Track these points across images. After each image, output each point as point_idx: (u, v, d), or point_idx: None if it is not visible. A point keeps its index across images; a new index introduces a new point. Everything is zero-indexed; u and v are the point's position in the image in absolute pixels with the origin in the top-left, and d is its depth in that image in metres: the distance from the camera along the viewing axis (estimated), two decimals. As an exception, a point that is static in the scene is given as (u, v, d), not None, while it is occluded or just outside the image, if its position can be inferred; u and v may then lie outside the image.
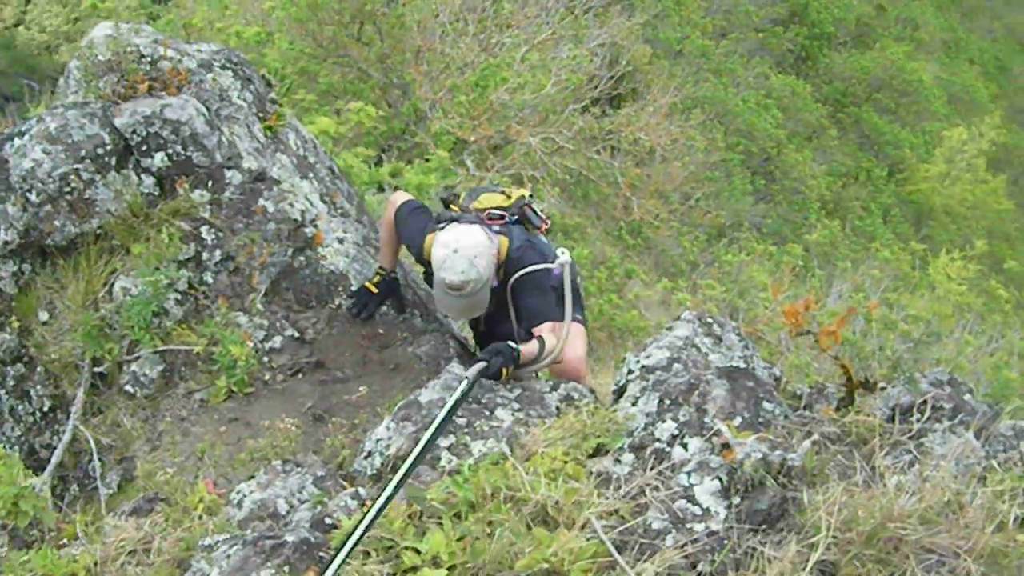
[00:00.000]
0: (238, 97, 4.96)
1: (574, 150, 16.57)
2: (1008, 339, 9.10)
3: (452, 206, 4.76)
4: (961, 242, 21.48)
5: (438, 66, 15.73)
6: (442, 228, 4.40)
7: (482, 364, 3.94)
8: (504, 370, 4.03)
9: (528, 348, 4.17)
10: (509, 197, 4.75)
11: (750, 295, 9.49)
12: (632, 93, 19.45)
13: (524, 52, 16.56)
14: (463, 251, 4.16)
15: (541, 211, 4.80)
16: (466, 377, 3.81)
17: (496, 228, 4.50)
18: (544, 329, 4.29)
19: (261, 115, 5.09)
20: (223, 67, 5.01)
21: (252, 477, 3.78)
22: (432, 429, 3.46)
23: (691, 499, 2.95)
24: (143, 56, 4.77)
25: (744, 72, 25.36)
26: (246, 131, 4.88)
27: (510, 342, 4.14)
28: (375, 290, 4.94)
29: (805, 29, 30.10)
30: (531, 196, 4.85)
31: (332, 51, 15.44)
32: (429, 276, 4.61)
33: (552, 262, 4.40)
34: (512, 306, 4.49)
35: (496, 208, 4.61)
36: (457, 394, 3.69)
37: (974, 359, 8.74)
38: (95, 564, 3.42)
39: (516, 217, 4.65)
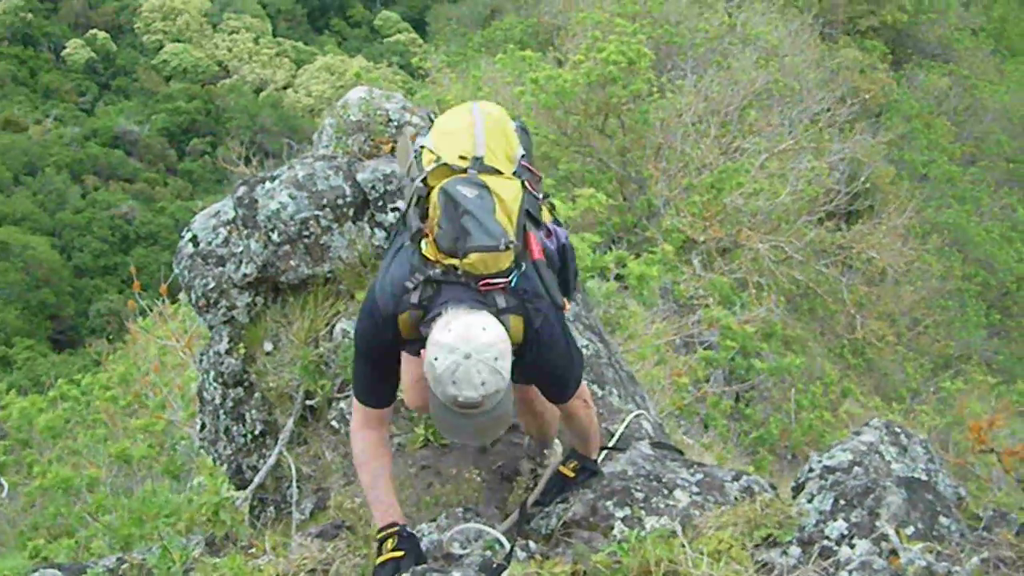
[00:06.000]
0: (473, 167, 5.23)
1: (803, 261, 16.39)
2: None
3: (428, 254, 3.27)
4: None
5: (676, 164, 15.95)
6: (429, 311, 3.20)
7: None
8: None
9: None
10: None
11: (964, 426, 9.09)
12: (868, 211, 19.08)
13: (764, 159, 16.60)
14: (479, 354, 3.00)
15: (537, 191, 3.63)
16: None
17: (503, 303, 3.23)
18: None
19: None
20: (462, 137, 5.30)
21: (434, 520, 3.95)
22: None
23: (853, 598, 2.92)
24: (391, 120, 5.13)
25: (990, 201, 24.40)
26: (475, 198, 5.13)
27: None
28: (400, 552, 3.41)
29: (1061, 163, 28.74)
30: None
31: (575, 140, 15.93)
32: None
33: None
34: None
35: (493, 276, 3.21)
36: None
37: None
38: (277, 576, 3.65)
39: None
